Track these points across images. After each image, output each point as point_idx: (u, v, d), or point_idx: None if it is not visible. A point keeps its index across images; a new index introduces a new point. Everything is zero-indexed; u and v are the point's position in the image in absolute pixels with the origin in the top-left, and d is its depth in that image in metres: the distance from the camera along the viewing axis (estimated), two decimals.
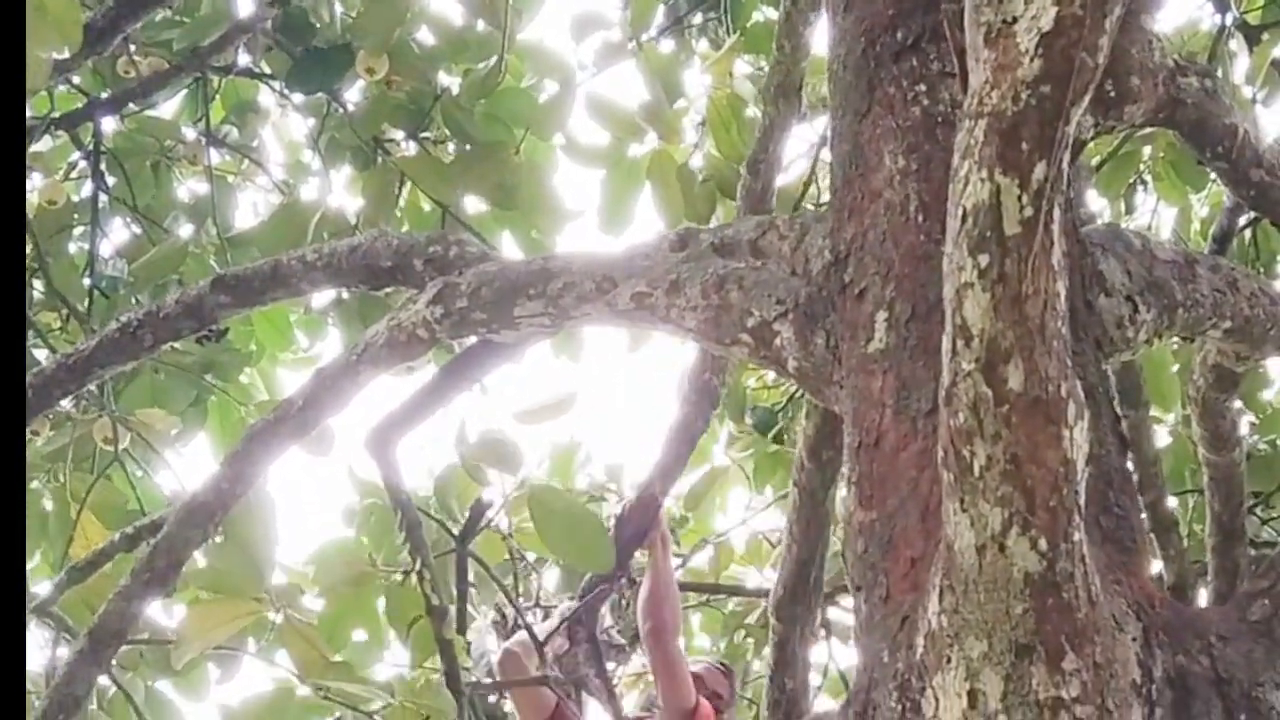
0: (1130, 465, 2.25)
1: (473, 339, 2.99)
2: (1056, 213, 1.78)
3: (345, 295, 4.81)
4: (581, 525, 3.43)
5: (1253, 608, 2.03)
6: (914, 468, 2.13)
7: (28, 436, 4.61)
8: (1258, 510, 4.99)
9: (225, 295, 3.12)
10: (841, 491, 4.56)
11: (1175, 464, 5.03)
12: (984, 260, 1.77)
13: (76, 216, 5.19)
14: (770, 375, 6.09)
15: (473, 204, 4.91)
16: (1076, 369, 1.85)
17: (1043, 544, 1.80)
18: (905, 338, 2.25)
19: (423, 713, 3.58)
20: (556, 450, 5.97)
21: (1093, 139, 2.71)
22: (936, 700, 1.88)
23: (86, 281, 4.99)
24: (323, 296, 4.98)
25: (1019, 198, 1.74)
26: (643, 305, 2.70)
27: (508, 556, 4.53)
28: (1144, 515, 2.19)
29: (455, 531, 3.63)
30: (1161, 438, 5.04)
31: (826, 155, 5.06)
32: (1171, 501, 4.59)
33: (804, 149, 5.29)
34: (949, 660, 1.87)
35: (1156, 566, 4.13)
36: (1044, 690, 1.81)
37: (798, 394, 5.79)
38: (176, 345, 4.72)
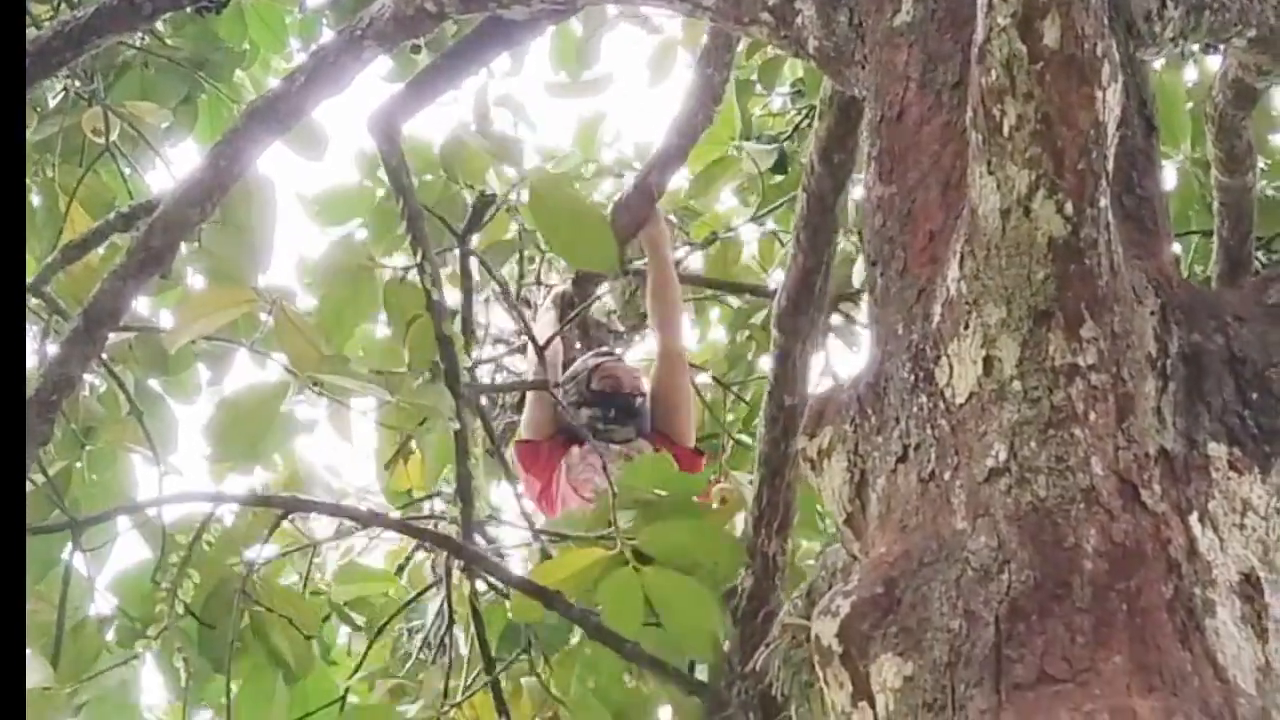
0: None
1: (482, 16, 2.91)
2: None
3: None
4: (583, 220, 3.36)
5: (1270, 291, 1.99)
6: (937, 141, 2.07)
7: None
8: (1259, 254, 4.95)
9: None
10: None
11: (1180, 205, 4.97)
12: None
13: None
14: (775, 103, 5.99)
15: None
16: None
17: (1069, 208, 1.76)
18: (933, 10, 2.17)
19: (419, 413, 3.57)
20: (582, 122, 5.90)
21: None
22: (951, 368, 1.86)
23: None
24: None
25: None
26: None
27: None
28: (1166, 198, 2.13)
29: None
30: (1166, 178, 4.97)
31: None
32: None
33: None
34: (966, 327, 1.84)
35: None
36: (1060, 357, 1.79)
37: (803, 123, 5.69)
38: (169, 40, 4.62)
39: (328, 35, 4.94)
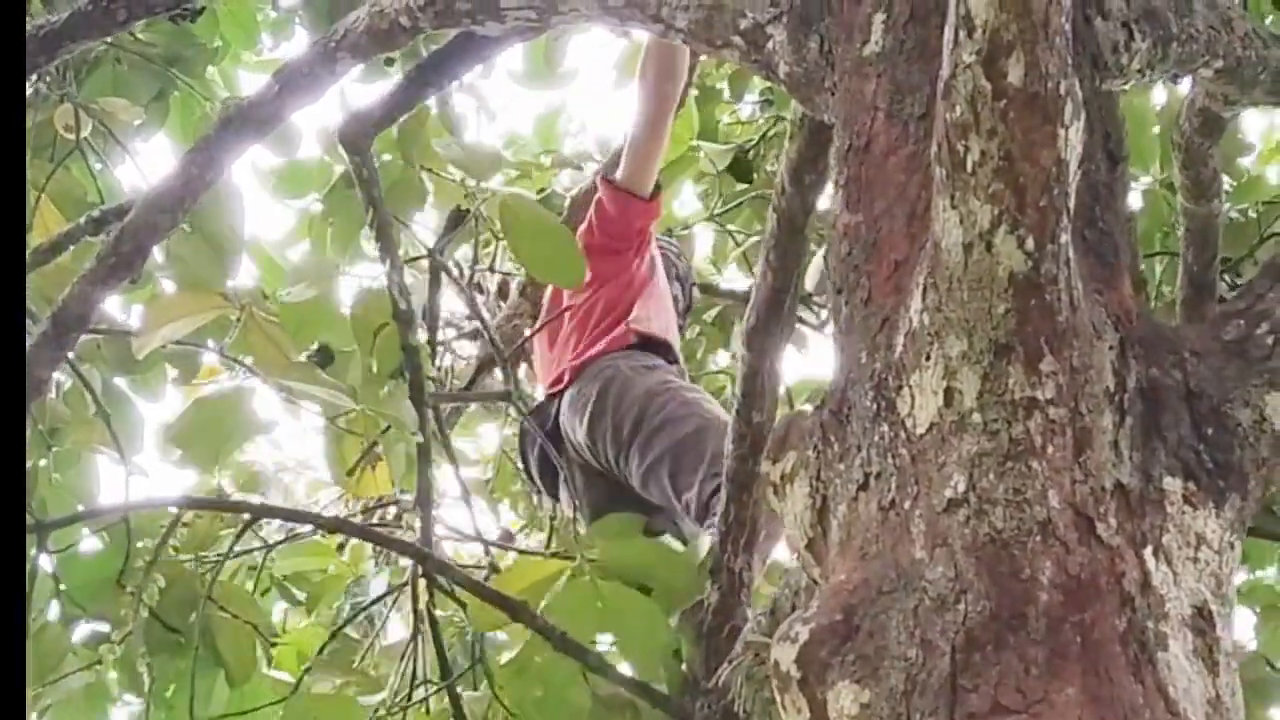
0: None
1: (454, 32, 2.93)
2: None
3: None
4: (551, 238, 3.39)
5: (1228, 327, 2.03)
6: (903, 172, 2.09)
7: None
8: (1225, 276, 4.99)
9: None
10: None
11: (1147, 226, 5.02)
12: None
13: None
14: (744, 111, 6.02)
15: None
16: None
17: (1030, 244, 1.78)
18: (902, 40, 2.19)
19: (383, 422, 3.59)
20: (544, 113, 5.95)
21: None
22: (912, 398, 1.88)
23: None
24: None
25: None
26: (633, 2, 2.63)
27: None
28: (1128, 233, 2.16)
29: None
30: (1134, 201, 5.02)
31: None
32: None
33: None
34: (928, 358, 1.86)
35: None
36: (1020, 390, 1.81)
37: (770, 132, 5.72)
38: (141, 35, 4.62)
39: (300, 34, 4.97)
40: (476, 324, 5.17)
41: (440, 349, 5.55)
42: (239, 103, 3.13)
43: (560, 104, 6.01)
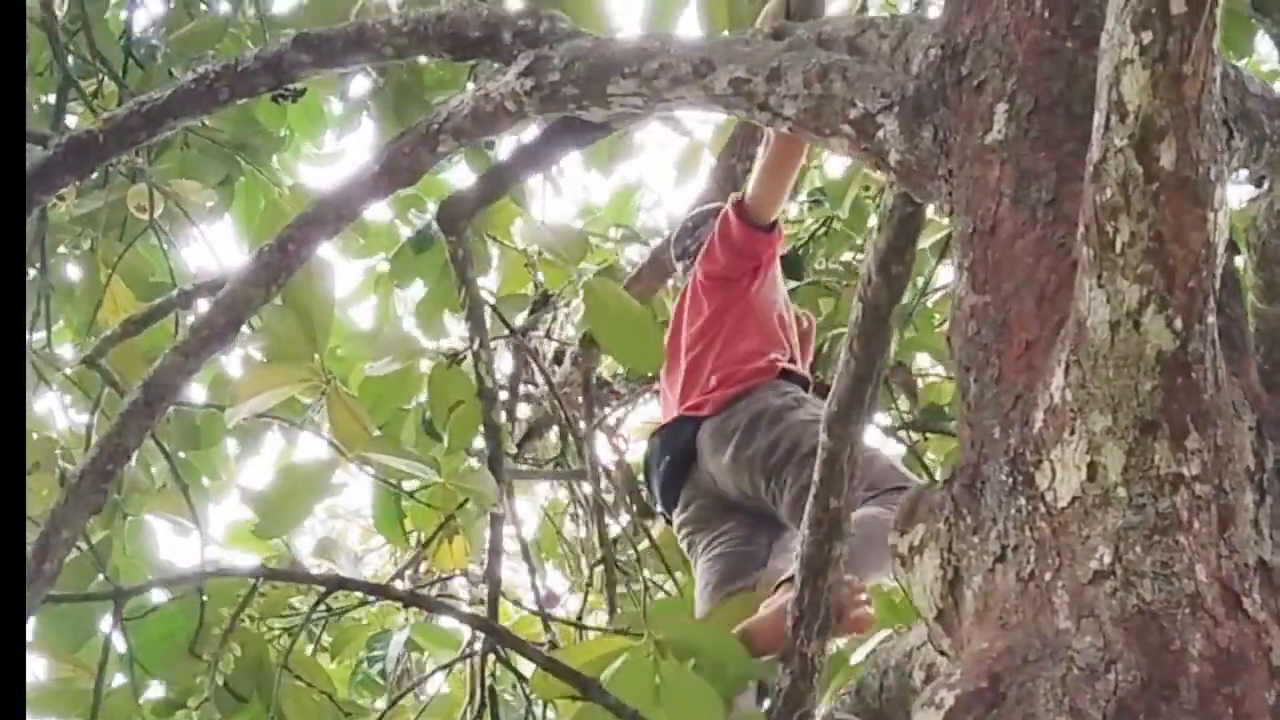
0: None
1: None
2: None
3: (383, 83, 4.77)
4: (633, 321, 3.45)
5: None
6: (1031, 255, 2.14)
7: (53, 201, 4.60)
8: None
9: (306, 54, 3.09)
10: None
11: None
12: (1146, 37, 1.77)
13: None
14: (794, 208, 6.10)
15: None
16: None
17: (1178, 323, 1.83)
18: (1026, 129, 2.25)
19: (462, 495, 3.63)
20: (619, 189, 6.07)
21: None
22: (1053, 472, 1.92)
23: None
24: (360, 86, 4.95)
25: None
26: (740, 91, 2.70)
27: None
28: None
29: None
30: None
31: None
32: None
33: None
34: (1070, 433, 1.90)
35: None
36: (1165, 466, 1.85)
37: (820, 231, 5.81)
38: (208, 121, 4.71)
39: (366, 126, 5.05)
40: (525, 385, 5.22)
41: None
42: (337, 185, 3.19)
43: (637, 180, 6.17)
